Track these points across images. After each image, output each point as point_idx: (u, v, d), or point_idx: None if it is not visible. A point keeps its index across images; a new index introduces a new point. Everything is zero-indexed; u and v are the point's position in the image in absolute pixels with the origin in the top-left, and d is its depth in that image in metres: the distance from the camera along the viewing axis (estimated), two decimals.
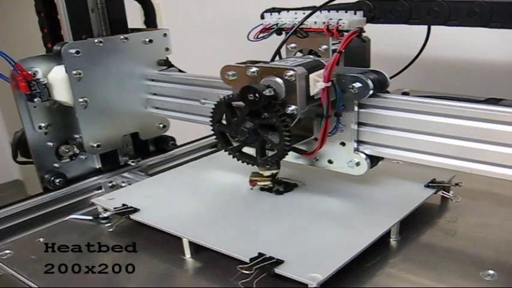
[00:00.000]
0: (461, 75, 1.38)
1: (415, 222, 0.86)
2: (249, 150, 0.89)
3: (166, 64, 1.21)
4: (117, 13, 1.17)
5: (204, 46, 1.97)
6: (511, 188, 0.95)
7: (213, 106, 0.88)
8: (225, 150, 0.90)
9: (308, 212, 0.88)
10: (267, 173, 0.92)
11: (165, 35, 1.21)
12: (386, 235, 0.82)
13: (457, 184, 0.93)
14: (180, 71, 1.21)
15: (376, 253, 0.78)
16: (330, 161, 0.90)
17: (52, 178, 1.13)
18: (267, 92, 0.78)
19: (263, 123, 0.82)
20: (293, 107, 0.80)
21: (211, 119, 0.88)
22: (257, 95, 0.78)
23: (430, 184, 0.93)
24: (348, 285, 0.73)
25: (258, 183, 0.94)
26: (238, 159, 0.89)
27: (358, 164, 0.87)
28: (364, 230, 0.81)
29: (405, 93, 1.00)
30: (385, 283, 0.74)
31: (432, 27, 0.94)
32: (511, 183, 0.76)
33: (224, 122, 0.88)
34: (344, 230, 0.82)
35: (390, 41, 1.19)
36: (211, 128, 0.89)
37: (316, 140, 0.87)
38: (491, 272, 0.73)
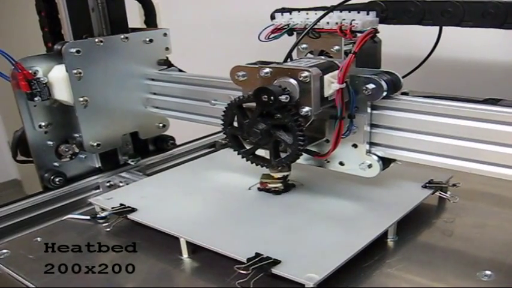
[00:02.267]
0: (459, 76, 1.34)
1: (412, 222, 0.82)
2: (261, 153, 0.84)
3: (166, 64, 1.16)
4: (118, 12, 1.12)
5: (202, 46, 1.91)
6: (508, 189, 0.92)
7: (224, 108, 0.82)
8: (238, 153, 0.84)
9: (305, 212, 0.84)
10: (278, 175, 0.87)
11: (165, 34, 1.16)
12: (384, 235, 0.78)
13: (454, 185, 0.89)
14: (180, 70, 1.16)
15: (373, 253, 0.75)
16: (341, 163, 0.84)
17: (52, 177, 1.08)
18: (283, 98, 0.73)
19: (276, 123, 0.77)
20: (307, 108, 0.75)
21: (222, 122, 0.82)
22: (272, 97, 0.72)
23: (427, 185, 0.88)
24: (345, 285, 0.69)
25: (269, 185, 0.89)
26: (252, 162, 0.84)
27: (370, 166, 0.82)
28: (361, 230, 0.77)
29: (404, 93, 0.94)
30: (382, 283, 0.70)
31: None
32: (508, 184, 0.73)
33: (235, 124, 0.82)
34: (341, 230, 0.78)
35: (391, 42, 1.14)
36: (223, 131, 0.84)
37: (328, 141, 0.83)
38: (488, 272, 0.70)
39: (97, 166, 1.16)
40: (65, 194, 1.07)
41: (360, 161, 0.82)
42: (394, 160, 0.83)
